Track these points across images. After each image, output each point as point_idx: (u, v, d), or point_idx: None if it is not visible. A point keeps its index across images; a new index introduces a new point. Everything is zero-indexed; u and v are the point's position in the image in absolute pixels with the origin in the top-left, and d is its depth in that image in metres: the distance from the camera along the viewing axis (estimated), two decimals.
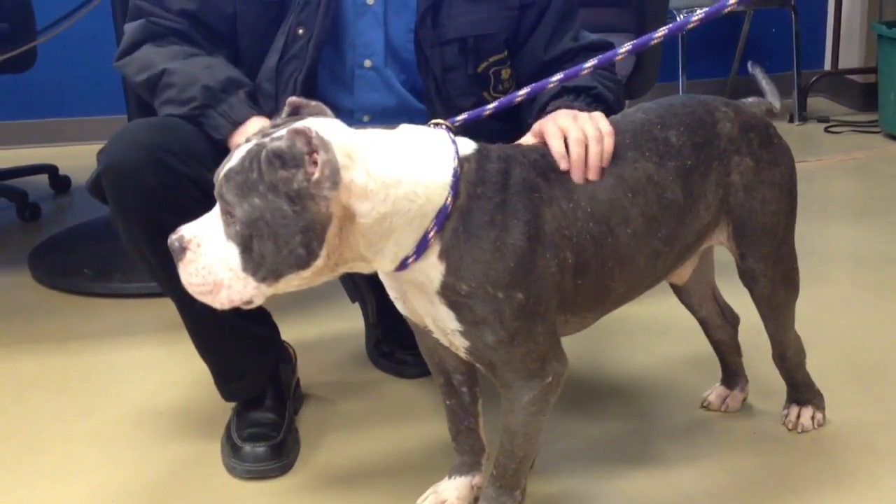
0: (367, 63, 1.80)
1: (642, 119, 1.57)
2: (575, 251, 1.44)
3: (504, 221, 1.38)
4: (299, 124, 1.27)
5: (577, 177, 1.48)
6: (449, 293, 1.38)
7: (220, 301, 1.32)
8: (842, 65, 4.59)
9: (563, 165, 1.48)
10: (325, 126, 1.29)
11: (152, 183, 1.62)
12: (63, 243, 3.12)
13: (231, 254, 1.29)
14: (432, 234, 1.34)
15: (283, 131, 1.28)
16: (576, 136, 1.50)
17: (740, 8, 4.27)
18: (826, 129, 4.25)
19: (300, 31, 1.74)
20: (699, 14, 1.54)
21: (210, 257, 1.30)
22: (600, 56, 1.58)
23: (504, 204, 1.38)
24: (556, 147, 1.50)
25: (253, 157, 1.27)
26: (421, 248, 1.35)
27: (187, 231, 1.32)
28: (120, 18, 2.85)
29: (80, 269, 2.82)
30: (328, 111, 1.40)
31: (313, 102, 1.40)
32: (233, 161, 1.29)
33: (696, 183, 1.56)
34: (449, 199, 1.35)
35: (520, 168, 1.43)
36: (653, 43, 1.55)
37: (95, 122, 4.45)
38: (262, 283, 1.30)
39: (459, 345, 1.43)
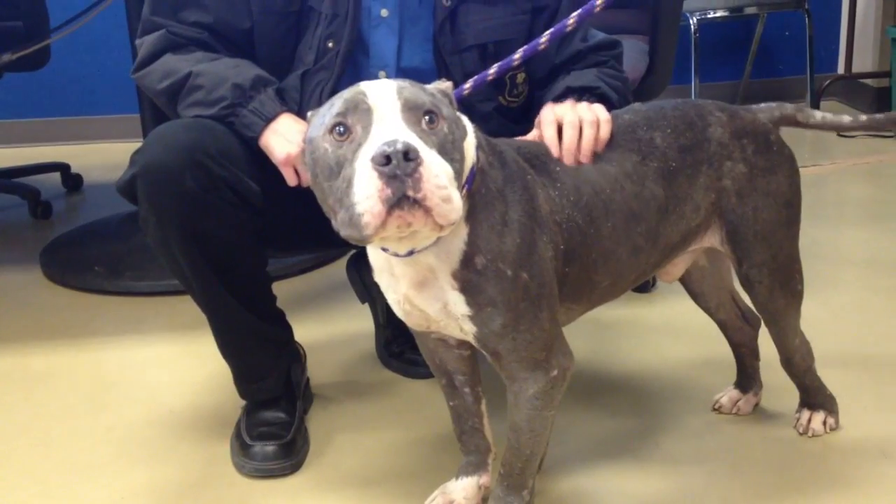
0: (382, 74, 1.80)
1: (628, 120, 1.60)
2: (565, 238, 1.46)
3: (509, 196, 1.40)
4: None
5: (568, 160, 1.51)
6: (465, 271, 1.37)
7: (455, 209, 1.21)
8: (855, 68, 4.57)
9: (554, 152, 1.52)
10: None
11: (191, 186, 1.61)
12: (74, 241, 3.13)
13: (443, 163, 1.22)
14: (464, 192, 1.34)
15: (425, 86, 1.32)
16: (570, 119, 1.53)
17: None
18: (839, 133, 4.22)
19: (330, 44, 1.73)
20: None
21: (437, 164, 1.21)
22: (581, 11, 1.62)
23: (507, 180, 1.41)
24: (547, 134, 1.54)
25: (429, 90, 1.30)
26: None
27: (404, 136, 1.20)
28: (134, 17, 2.86)
29: (92, 266, 2.83)
30: None
31: None
32: (395, 83, 1.28)
33: (682, 184, 1.58)
34: (476, 158, 1.37)
35: (509, 150, 1.47)
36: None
37: (108, 121, 4.48)
38: (460, 199, 1.24)
39: (469, 330, 1.43)
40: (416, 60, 1.81)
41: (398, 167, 1.17)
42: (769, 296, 1.69)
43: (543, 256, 1.42)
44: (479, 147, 1.39)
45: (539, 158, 1.51)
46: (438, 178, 1.20)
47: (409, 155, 1.17)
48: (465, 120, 1.40)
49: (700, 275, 1.84)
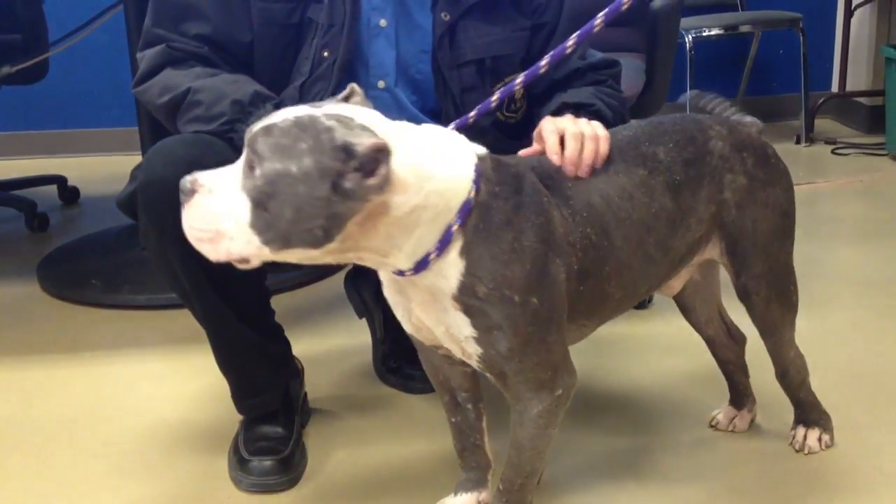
0: (381, 84, 1.81)
1: (629, 136, 1.60)
2: (579, 257, 1.46)
3: (520, 224, 1.39)
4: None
5: (568, 171, 1.51)
6: (465, 297, 1.37)
7: (218, 252, 1.28)
8: (849, 87, 4.60)
9: (555, 161, 1.51)
10: (371, 118, 1.28)
11: None
12: (72, 254, 3.13)
13: (241, 207, 1.25)
14: (455, 227, 1.33)
15: (344, 111, 1.27)
16: (573, 131, 1.53)
17: None
18: (833, 151, 4.25)
19: (325, 54, 1.75)
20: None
21: (219, 205, 1.27)
22: (580, 32, 1.59)
23: (519, 206, 1.40)
24: (550, 142, 1.53)
25: (306, 126, 1.24)
26: (444, 242, 1.33)
27: (203, 176, 1.29)
28: (134, 31, 2.87)
29: (89, 279, 2.83)
30: (370, 105, 1.38)
31: (361, 95, 1.38)
32: (275, 119, 1.27)
33: (687, 197, 1.59)
34: (472, 193, 1.35)
35: (529, 173, 1.46)
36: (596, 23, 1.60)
37: (105, 134, 4.48)
38: (266, 245, 1.25)
39: (472, 352, 1.42)
40: (412, 71, 1.82)
41: (182, 198, 1.30)
42: (766, 307, 1.71)
43: (556, 280, 1.41)
44: (482, 178, 1.36)
45: (552, 178, 1.49)
46: (199, 221, 1.28)
47: (183, 191, 1.29)
48: (470, 148, 1.37)
49: (693, 289, 1.85)
